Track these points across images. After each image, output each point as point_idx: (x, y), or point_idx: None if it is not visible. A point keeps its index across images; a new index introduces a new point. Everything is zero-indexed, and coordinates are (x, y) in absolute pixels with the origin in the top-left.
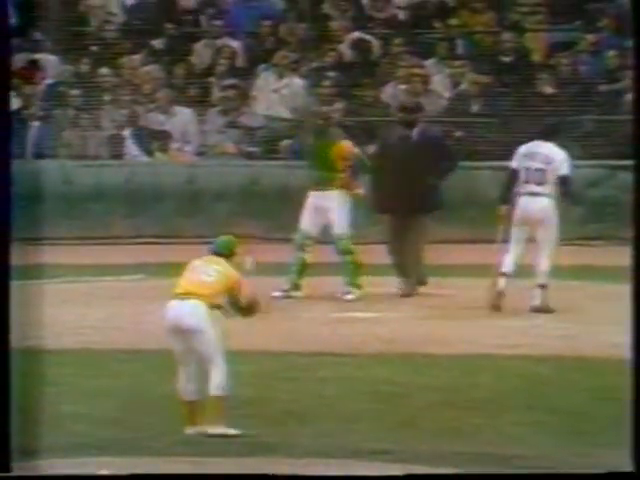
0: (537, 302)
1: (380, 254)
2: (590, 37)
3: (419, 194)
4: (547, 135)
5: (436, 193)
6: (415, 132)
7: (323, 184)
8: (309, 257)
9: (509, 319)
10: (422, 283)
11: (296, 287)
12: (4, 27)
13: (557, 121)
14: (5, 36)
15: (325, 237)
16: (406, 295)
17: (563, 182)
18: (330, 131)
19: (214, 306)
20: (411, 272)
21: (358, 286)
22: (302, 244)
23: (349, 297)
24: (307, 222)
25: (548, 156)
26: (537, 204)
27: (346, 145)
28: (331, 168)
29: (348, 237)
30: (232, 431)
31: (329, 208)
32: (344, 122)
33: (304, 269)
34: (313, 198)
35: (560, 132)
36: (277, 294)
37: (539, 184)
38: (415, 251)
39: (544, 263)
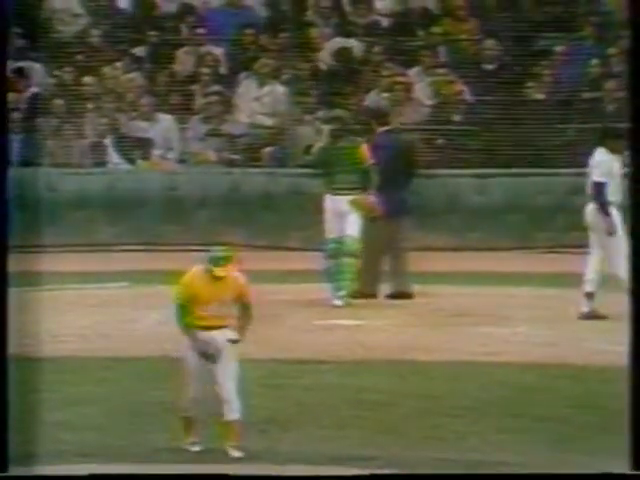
0: (586, 309)
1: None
2: (572, 45)
3: (391, 199)
4: (599, 140)
5: (402, 199)
6: (375, 138)
7: (342, 187)
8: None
9: (492, 326)
10: (404, 295)
11: (353, 293)
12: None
13: (609, 126)
14: (0, 44)
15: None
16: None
17: (592, 188)
18: (349, 135)
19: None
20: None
21: (350, 288)
22: (335, 251)
23: (338, 303)
24: (332, 228)
25: (591, 162)
26: (587, 210)
27: (364, 149)
28: (351, 171)
29: (357, 240)
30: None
31: (346, 211)
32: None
33: (360, 275)
34: (331, 202)
35: (612, 136)
36: (338, 303)
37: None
38: (394, 255)
39: (590, 270)
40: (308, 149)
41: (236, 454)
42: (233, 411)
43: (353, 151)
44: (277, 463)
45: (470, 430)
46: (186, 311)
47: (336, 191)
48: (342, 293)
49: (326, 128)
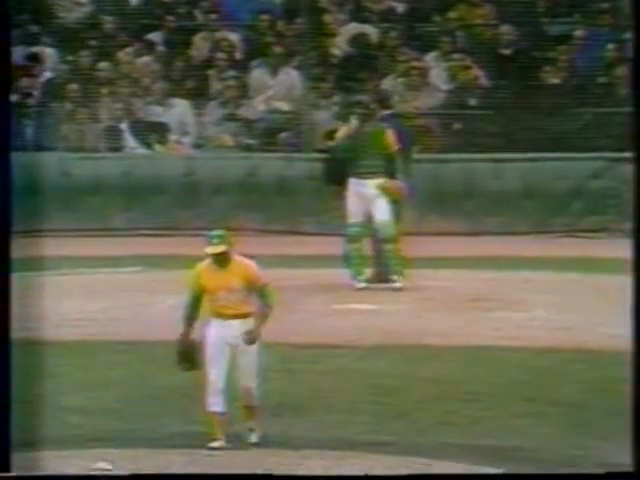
0: None
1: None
2: (588, 30)
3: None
4: None
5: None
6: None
7: (367, 171)
8: (365, 246)
9: (508, 311)
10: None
11: (376, 278)
12: (4, 19)
13: None
14: (5, 27)
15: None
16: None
17: None
18: (377, 120)
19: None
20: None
21: (402, 273)
22: (356, 235)
23: (397, 285)
24: (355, 212)
25: None
26: None
27: (391, 134)
28: (377, 156)
29: (391, 224)
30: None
31: (373, 195)
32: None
33: (375, 258)
34: (355, 186)
35: None
36: (360, 285)
37: None
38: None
39: None
40: (328, 134)
41: (254, 439)
42: (253, 400)
43: (378, 136)
44: (291, 448)
45: (485, 415)
46: (199, 303)
47: (361, 175)
48: (396, 278)
49: (350, 113)
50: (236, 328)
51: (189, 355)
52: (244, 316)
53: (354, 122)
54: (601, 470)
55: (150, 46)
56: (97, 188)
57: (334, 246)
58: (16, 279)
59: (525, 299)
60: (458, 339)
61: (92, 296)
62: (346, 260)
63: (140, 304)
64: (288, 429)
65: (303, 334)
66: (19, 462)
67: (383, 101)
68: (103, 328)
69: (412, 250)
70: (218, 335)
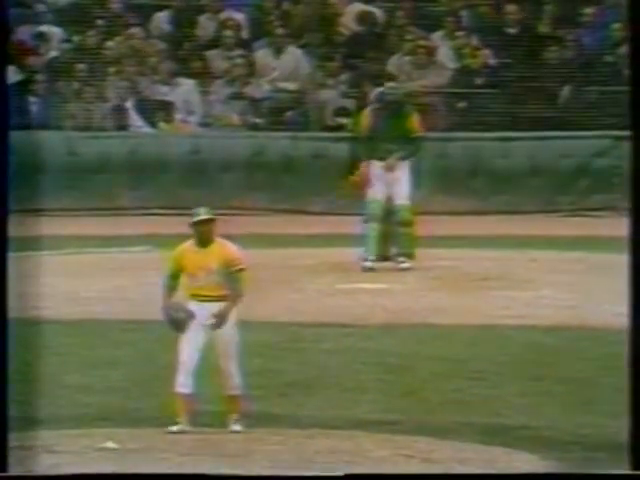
0: None
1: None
2: (594, 8)
3: None
4: None
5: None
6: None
7: (392, 155)
8: (384, 226)
9: (514, 290)
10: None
11: (382, 257)
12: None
13: None
14: (1, 7)
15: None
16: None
17: None
18: (405, 104)
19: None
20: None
21: (412, 255)
22: (374, 215)
23: (405, 265)
24: (375, 192)
25: None
26: None
27: (417, 118)
28: (403, 139)
29: (410, 208)
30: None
31: (395, 178)
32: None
33: (384, 238)
34: (377, 168)
35: None
36: (367, 264)
37: None
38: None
39: None
40: (336, 112)
41: (237, 428)
42: (234, 386)
43: (403, 119)
44: (299, 427)
45: (492, 393)
46: (176, 283)
47: (382, 158)
48: (404, 259)
49: (374, 95)
50: (212, 311)
51: (181, 320)
52: (220, 299)
53: (375, 105)
54: (602, 471)
55: (157, 25)
56: (103, 167)
57: (342, 225)
58: (22, 258)
59: (532, 278)
60: (465, 318)
61: (99, 275)
62: (363, 238)
63: (146, 283)
64: (296, 408)
65: (311, 313)
66: (26, 441)
67: (379, 79)
68: (111, 307)
69: (419, 229)
70: (193, 316)
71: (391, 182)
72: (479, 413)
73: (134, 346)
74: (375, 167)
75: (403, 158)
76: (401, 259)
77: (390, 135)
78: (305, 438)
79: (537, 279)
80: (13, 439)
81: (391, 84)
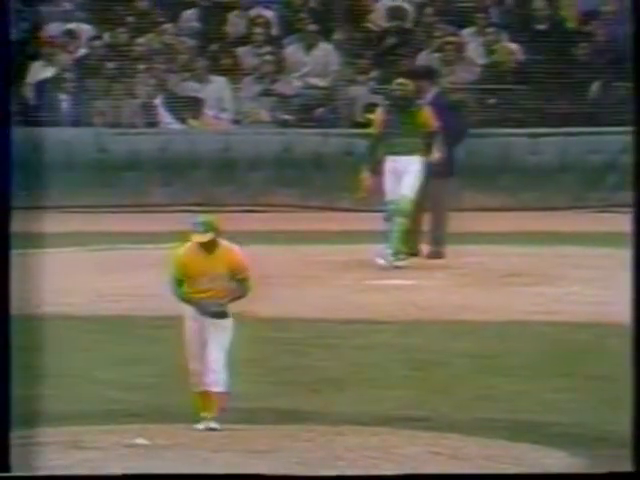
0: None
1: None
2: (622, 3)
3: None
4: None
5: (449, 160)
6: (427, 98)
7: (404, 149)
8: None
9: (544, 286)
10: (414, 253)
11: (399, 254)
12: None
13: None
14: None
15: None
16: (432, 257)
17: None
18: (414, 100)
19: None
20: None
21: (401, 252)
22: (392, 213)
23: (381, 262)
24: (390, 190)
25: None
26: None
27: (429, 113)
28: (415, 134)
29: (410, 200)
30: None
31: (407, 171)
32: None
33: (406, 235)
34: (392, 163)
35: None
36: (381, 262)
37: None
38: (434, 216)
39: None
40: (366, 109)
41: (213, 425)
42: (218, 383)
43: (416, 114)
44: (328, 424)
45: (522, 390)
46: (180, 285)
47: (396, 153)
48: (388, 252)
49: (388, 91)
50: (214, 307)
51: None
52: (222, 299)
53: (390, 100)
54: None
55: (187, 23)
56: (133, 164)
57: (371, 222)
58: (50, 255)
59: (561, 274)
60: (495, 314)
61: (132, 272)
62: (385, 238)
63: None
64: (326, 405)
65: (340, 309)
66: (57, 437)
67: (431, 77)
68: (142, 303)
69: (449, 226)
70: (195, 325)
71: (401, 174)
72: (509, 410)
73: (165, 342)
74: (390, 163)
75: (426, 155)
76: (387, 253)
77: (403, 131)
78: (335, 435)
79: (567, 275)
80: (38, 435)
81: (400, 80)
